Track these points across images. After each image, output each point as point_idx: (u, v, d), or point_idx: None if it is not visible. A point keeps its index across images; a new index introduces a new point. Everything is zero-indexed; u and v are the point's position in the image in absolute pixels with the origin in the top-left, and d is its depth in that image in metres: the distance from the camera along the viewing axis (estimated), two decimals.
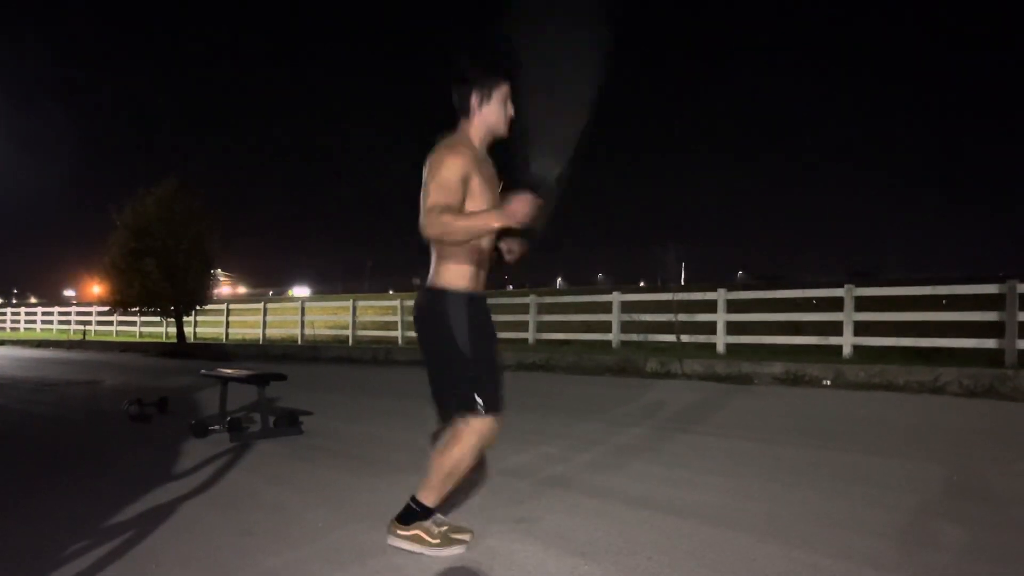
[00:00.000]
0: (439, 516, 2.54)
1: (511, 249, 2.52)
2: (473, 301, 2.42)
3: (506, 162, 2.57)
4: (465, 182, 2.33)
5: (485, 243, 2.46)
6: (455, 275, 2.40)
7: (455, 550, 2.42)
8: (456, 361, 2.39)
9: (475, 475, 3.30)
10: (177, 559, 2.38)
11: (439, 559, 2.34)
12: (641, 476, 3.44)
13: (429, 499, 2.43)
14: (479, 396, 2.37)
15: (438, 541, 2.42)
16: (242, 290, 53.51)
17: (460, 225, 2.26)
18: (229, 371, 5.26)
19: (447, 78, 2.52)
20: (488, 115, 2.45)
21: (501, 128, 2.49)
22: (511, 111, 2.48)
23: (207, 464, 3.87)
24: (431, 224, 2.26)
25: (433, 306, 2.41)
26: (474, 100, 2.44)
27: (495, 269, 2.55)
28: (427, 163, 2.37)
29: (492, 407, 2.40)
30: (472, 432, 2.38)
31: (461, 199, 2.33)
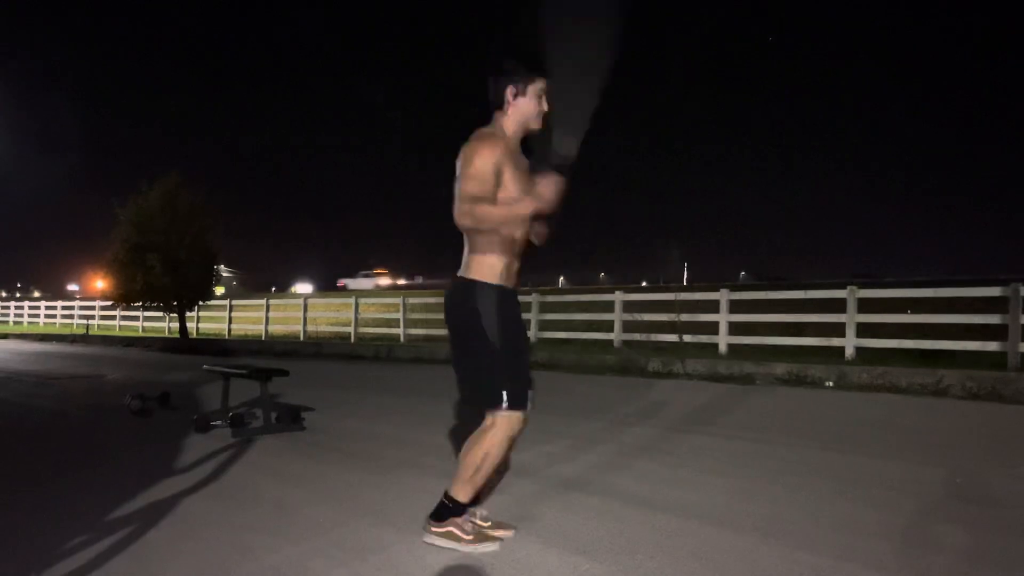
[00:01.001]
0: (482, 512, 2.56)
1: (538, 232, 2.54)
2: (504, 295, 2.43)
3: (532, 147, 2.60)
4: (498, 173, 2.35)
5: (518, 234, 2.46)
6: (487, 268, 2.40)
7: (488, 547, 2.43)
8: (484, 355, 2.40)
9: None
10: (178, 554, 2.38)
11: (444, 553, 2.34)
12: (643, 476, 3.44)
13: (461, 494, 2.45)
14: (505, 392, 2.39)
15: (471, 538, 2.44)
16: (402, 282, 44.05)
17: (495, 214, 2.31)
18: (231, 366, 5.26)
19: (482, 71, 2.55)
20: (522, 108, 2.47)
21: (535, 122, 2.51)
22: (545, 106, 2.50)
23: (209, 459, 3.88)
24: (464, 214, 2.30)
25: (464, 298, 2.42)
26: (509, 92, 2.46)
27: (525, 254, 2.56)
28: (461, 154, 2.39)
29: (517, 403, 2.41)
30: (498, 428, 2.40)
31: (494, 189, 2.35)
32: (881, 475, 3.45)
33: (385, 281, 42.46)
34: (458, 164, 2.38)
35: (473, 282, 2.41)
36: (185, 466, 3.74)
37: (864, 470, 3.55)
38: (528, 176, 2.49)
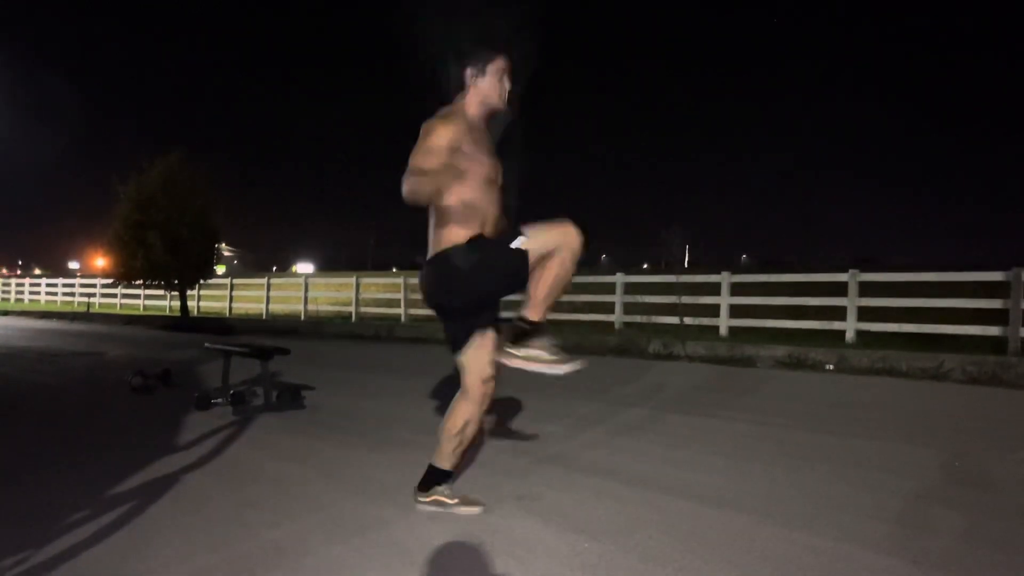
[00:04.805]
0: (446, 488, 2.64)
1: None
2: (474, 243, 2.40)
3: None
4: (454, 149, 2.36)
5: (490, 210, 2.46)
6: (455, 238, 2.40)
7: (472, 510, 2.56)
8: (473, 305, 2.47)
9: (478, 452, 3.32)
10: (178, 530, 2.40)
11: (443, 530, 2.36)
12: (642, 456, 3.45)
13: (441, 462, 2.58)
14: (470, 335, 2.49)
15: (456, 501, 2.58)
16: None
17: (421, 178, 2.25)
18: (232, 344, 5.26)
19: (449, 58, 2.61)
20: (483, 88, 2.51)
21: (496, 101, 2.55)
22: (508, 85, 2.55)
23: (209, 436, 3.89)
24: (404, 183, 2.28)
25: (435, 267, 2.44)
26: (469, 73, 2.51)
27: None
28: (421, 130, 2.41)
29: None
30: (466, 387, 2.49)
31: (442, 164, 2.34)
32: (879, 458, 3.46)
33: None
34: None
35: (441, 252, 2.41)
36: (186, 443, 3.75)
37: (862, 453, 3.56)
38: (490, 150, 2.52)
